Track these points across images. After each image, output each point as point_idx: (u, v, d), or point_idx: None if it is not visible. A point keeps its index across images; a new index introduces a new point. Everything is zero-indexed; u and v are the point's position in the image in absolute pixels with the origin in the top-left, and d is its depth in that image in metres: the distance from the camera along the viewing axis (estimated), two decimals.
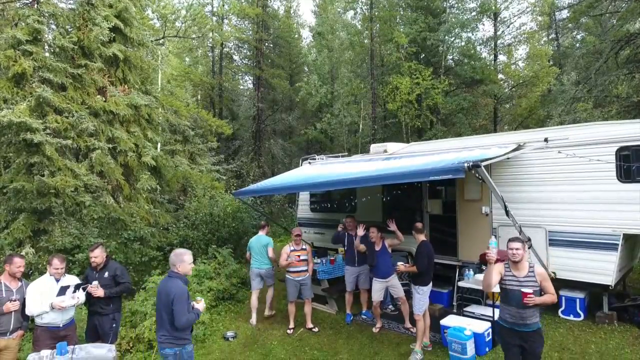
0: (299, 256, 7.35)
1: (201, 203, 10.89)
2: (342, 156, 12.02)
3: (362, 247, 7.32)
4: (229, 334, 7.34)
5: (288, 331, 7.36)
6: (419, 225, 6.42)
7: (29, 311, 4.86)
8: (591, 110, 12.29)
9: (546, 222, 6.98)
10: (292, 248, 7.43)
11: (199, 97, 24.78)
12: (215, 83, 23.69)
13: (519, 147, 7.08)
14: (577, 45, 17.95)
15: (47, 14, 8.23)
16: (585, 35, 19.86)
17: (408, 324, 7.09)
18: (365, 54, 21.23)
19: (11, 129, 7.16)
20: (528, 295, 3.93)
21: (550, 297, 4.08)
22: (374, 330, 7.15)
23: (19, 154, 7.50)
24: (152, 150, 9.76)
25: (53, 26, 8.88)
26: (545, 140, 7.00)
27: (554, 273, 6.89)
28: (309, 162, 11.95)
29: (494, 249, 4.52)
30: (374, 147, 11.38)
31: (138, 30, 10.03)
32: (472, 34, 18.72)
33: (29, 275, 7.14)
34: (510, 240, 4.22)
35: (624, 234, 6.26)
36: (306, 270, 7.42)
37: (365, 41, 20.63)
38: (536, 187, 7.13)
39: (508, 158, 6.50)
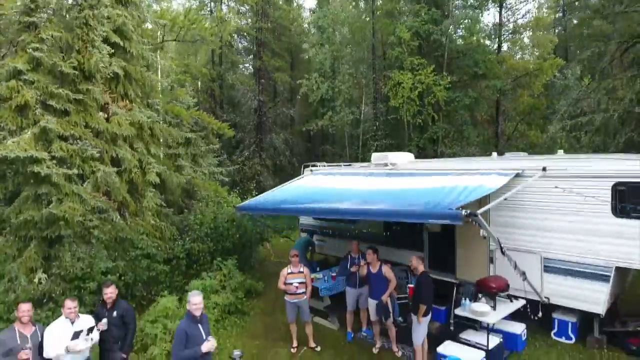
0: (297, 287, 7.48)
1: (205, 216, 11.04)
2: (344, 165, 12.11)
3: (365, 272, 7.53)
4: (236, 353, 7.66)
5: (291, 350, 7.69)
6: (416, 258, 6.58)
7: (46, 354, 5.14)
8: (593, 116, 12.28)
9: (542, 248, 7.20)
10: (289, 270, 7.56)
11: (199, 85, 24.52)
12: (216, 74, 23.60)
13: (518, 175, 7.21)
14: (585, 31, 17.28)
15: (46, 39, 8.16)
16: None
17: (395, 347, 7.42)
18: (367, 49, 21.06)
19: (19, 162, 7.31)
20: None
21: None
22: (374, 350, 7.48)
23: (27, 185, 7.67)
24: (155, 167, 9.88)
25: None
26: (544, 169, 7.12)
27: (547, 298, 7.15)
28: (311, 170, 12.10)
29: None
30: (375, 157, 11.45)
31: (137, 44, 9.99)
32: (477, 25, 18.39)
33: (42, 301, 7.45)
34: None
35: (616, 267, 6.47)
36: (303, 293, 7.56)
37: (367, 32, 20.40)
38: (533, 214, 7.32)
39: (506, 199, 6.62)
